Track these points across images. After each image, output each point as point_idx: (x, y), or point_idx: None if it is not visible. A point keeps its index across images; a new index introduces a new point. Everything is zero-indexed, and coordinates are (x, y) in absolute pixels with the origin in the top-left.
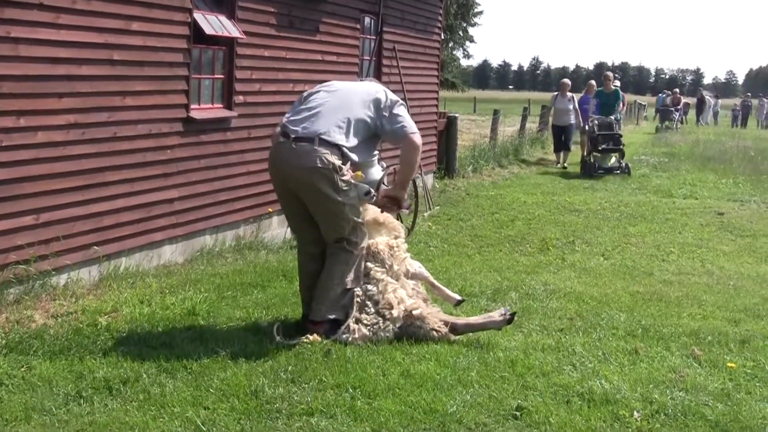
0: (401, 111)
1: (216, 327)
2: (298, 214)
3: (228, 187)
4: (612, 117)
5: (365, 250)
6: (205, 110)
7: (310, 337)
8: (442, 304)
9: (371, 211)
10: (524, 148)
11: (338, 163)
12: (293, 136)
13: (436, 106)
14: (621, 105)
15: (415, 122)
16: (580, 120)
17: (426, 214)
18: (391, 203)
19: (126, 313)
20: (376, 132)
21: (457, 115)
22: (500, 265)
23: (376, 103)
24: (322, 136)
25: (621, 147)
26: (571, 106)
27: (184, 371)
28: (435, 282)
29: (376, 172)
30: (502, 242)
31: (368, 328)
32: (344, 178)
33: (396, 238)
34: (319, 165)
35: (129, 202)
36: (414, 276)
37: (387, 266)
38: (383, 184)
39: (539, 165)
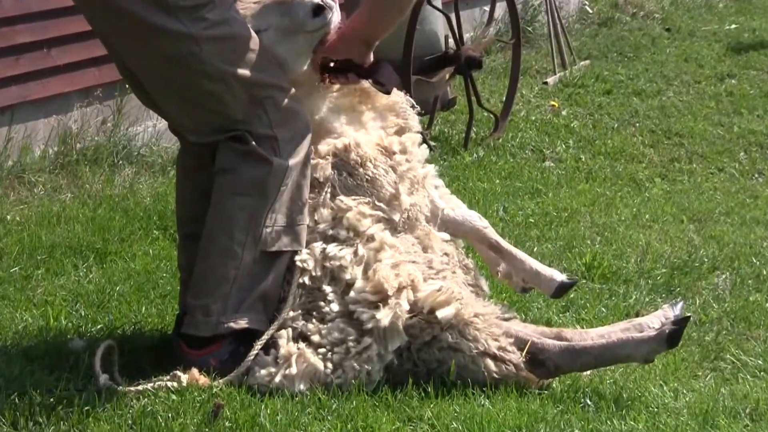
0: None
1: None
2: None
3: (35, 13)
4: None
5: (308, 161)
6: None
7: (182, 377)
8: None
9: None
10: None
11: None
12: None
13: None
14: None
15: None
16: None
17: (549, 81)
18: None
19: None
20: None
21: None
22: (707, 207)
23: None
24: None
25: None
26: None
27: None
28: (503, 243)
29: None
30: (732, 147)
31: (322, 352)
32: None
33: (400, 130)
34: None
35: None
36: (449, 224)
37: (379, 197)
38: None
39: None
